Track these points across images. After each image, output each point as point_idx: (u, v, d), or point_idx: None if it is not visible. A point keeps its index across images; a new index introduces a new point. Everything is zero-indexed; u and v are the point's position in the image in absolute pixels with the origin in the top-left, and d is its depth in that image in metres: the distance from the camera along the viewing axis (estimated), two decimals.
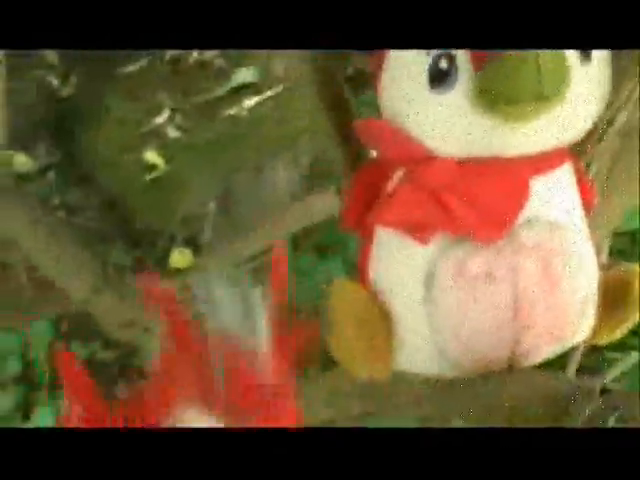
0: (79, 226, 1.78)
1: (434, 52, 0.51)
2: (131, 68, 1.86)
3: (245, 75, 1.73)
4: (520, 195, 0.54)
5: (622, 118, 0.64)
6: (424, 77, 0.52)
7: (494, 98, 0.49)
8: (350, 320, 0.56)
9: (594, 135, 0.63)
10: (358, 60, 0.66)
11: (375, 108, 0.56)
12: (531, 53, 0.48)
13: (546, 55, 0.48)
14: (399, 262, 0.56)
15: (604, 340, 0.62)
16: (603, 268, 0.95)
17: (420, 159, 0.53)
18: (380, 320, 0.57)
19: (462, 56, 0.51)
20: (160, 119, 1.77)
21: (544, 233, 0.55)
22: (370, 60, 0.56)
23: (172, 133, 1.75)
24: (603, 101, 0.56)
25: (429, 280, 0.55)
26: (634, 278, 0.59)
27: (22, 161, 1.78)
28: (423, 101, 0.52)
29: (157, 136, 1.77)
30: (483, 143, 0.52)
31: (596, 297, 0.59)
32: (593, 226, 0.72)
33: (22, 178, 1.79)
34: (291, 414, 0.47)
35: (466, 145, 0.52)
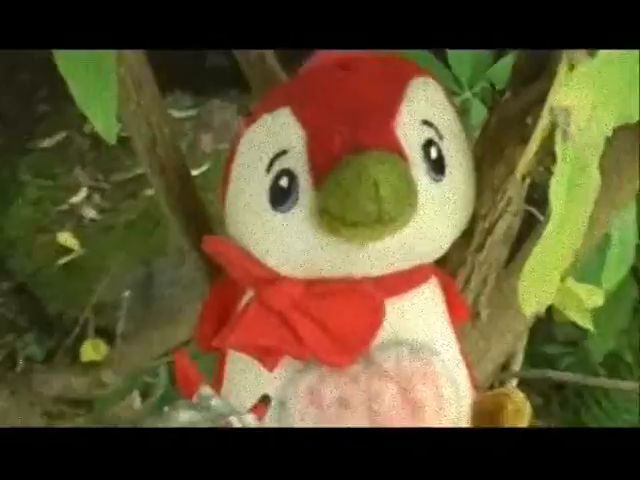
0: None
1: (275, 169, 0.53)
2: (47, 142, 1.88)
3: None
4: (373, 317, 0.55)
5: (502, 226, 0.65)
6: (265, 195, 0.53)
7: (332, 220, 0.51)
8: None
9: (471, 246, 0.65)
10: None
11: None
12: (368, 172, 0.49)
13: (386, 175, 0.50)
14: (250, 387, 0.57)
15: None
16: (516, 375, 0.96)
17: (266, 280, 0.55)
18: None
19: (303, 174, 0.52)
20: (76, 198, 1.79)
21: (403, 356, 0.56)
22: (225, 166, 0.58)
23: (89, 213, 1.76)
24: (465, 216, 0.58)
25: (281, 405, 0.56)
26: (505, 401, 0.60)
27: None
28: (265, 220, 0.54)
29: (73, 216, 1.78)
30: (329, 264, 0.54)
31: (467, 422, 0.60)
32: (489, 336, 0.73)
33: None
34: None
35: (311, 266, 0.54)
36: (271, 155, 0.53)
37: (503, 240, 0.67)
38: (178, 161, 0.63)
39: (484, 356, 0.74)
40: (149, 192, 1.75)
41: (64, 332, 1.70)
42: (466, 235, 0.62)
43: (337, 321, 0.55)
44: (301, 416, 0.56)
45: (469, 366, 0.62)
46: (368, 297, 0.55)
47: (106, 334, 1.62)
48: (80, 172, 1.81)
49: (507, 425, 0.60)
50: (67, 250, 1.73)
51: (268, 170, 0.53)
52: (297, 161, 0.53)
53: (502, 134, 0.61)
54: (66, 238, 1.72)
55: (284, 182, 0.53)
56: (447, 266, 0.64)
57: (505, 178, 0.63)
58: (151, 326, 1.63)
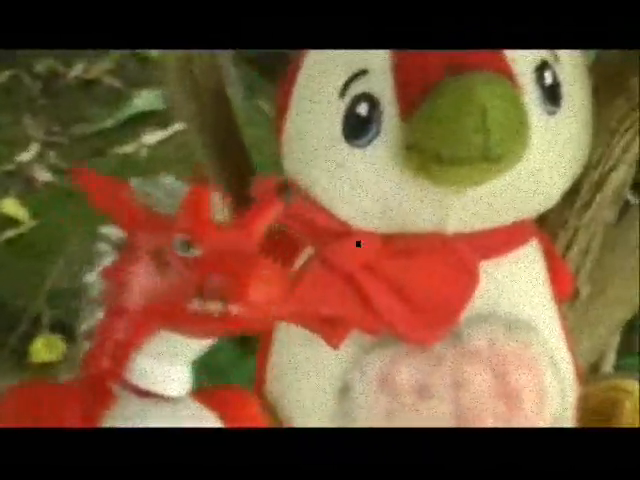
0: None
1: (351, 94, 0.54)
2: None
3: (146, 101, 1.74)
4: (465, 283, 0.57)
5: (615, 181, 0.67)
6: (338, 126, 0.55)
7: (425, 157, 0.52)
8: None
9: (576, 203, 0.66)
10: None
11: None
12: (474, 97, 0.50)
13: (495, 100, 0.51)
14: (304, 369, 0.59)
15: None
16: (606, 377, 0.98)
17: (333, 234, 0.56)
18: None
19: (388, 100, 0.54)
20: (26, 155, 1.79)
21: (498, 333, 0.57)
22: (278, 94, 0.59)
23: (42, 176, 1.76)
24: (579, 160, 0.59)
25: (343, 393, 0.57)
26: (624, 397, 0.62)
27: None
28: (336, 157, 0.55)
29: (21, 179, 1.78)
30: (415, 214, 0.55)
31: (573, 416, 0.61)
32: (584, 322, 0.75)
33: None
34: None
35: (392, 217, 0.55)
36: (347, 76, 0.54)
37: (612, 199, 0.68)
38: (215, 82, 0.64)
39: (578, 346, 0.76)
40: (121, 149, 1.75)
41: (8, 327, 1.70)
42: (569, 190, 0.63)
43: (420, 287, 0.56)
44: (369, 406, 0.57)
45: (572, 351, 0.63)
46: (460, 258, 0.56)
47: (64, 329, 1.63)
48: (30, 122, 1.81)
49: (624, 426, 0.62)
50: (13, 222, 1.73)
51: (342, 94, 0.54)
52: (381, 84, 0.54)
53: (624, 61, 0.62)
54: (12, 206, 1.72)
55: (363, 109, 0.54)
56: (544, 228, 0.66)
57: (625, 117, 0.64)
58: None
